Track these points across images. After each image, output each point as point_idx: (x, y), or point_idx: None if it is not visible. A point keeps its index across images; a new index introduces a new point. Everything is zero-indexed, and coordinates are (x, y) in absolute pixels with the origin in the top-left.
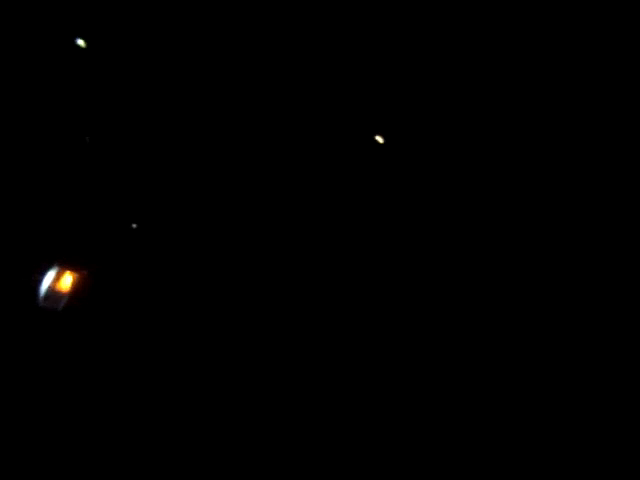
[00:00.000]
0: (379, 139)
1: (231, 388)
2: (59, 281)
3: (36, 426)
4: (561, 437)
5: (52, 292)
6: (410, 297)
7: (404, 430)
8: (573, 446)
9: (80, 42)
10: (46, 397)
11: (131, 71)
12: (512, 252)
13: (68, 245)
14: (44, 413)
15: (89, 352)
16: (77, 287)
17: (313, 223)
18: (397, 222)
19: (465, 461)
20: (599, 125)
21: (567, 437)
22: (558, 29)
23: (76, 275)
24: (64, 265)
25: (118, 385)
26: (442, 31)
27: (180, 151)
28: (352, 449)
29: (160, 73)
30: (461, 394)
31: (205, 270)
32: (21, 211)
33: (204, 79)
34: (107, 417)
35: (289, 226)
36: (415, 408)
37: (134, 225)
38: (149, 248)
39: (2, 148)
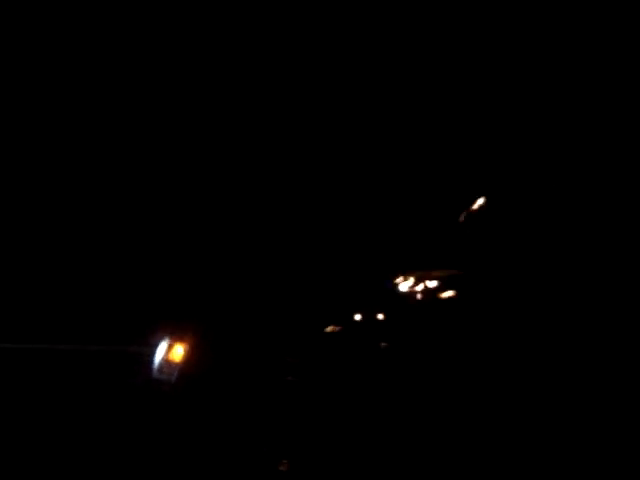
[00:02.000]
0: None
1: None
2: (171, 352)
3: None
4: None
5: (165, 363)
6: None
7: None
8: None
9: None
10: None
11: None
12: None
13: (177, 318)
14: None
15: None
16: (188, 357)
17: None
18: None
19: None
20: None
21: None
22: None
23: (186, 346)
24: (175, 337)
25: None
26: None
27: None
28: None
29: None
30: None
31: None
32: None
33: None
34: None
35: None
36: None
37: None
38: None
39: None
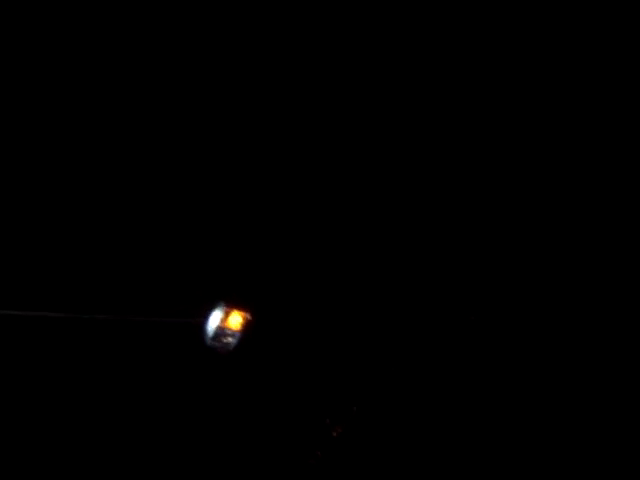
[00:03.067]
0: None
1: None
2: (228, 320)
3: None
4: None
5: (221, 331)
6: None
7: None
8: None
9: None
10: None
11: None
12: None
13: (234, 285)
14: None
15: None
16: (245, 327)
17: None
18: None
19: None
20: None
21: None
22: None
23: (244, 315)
24: (231, 305)
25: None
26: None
27: None
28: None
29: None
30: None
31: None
32: (187, 253)
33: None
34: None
35: None
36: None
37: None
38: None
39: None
